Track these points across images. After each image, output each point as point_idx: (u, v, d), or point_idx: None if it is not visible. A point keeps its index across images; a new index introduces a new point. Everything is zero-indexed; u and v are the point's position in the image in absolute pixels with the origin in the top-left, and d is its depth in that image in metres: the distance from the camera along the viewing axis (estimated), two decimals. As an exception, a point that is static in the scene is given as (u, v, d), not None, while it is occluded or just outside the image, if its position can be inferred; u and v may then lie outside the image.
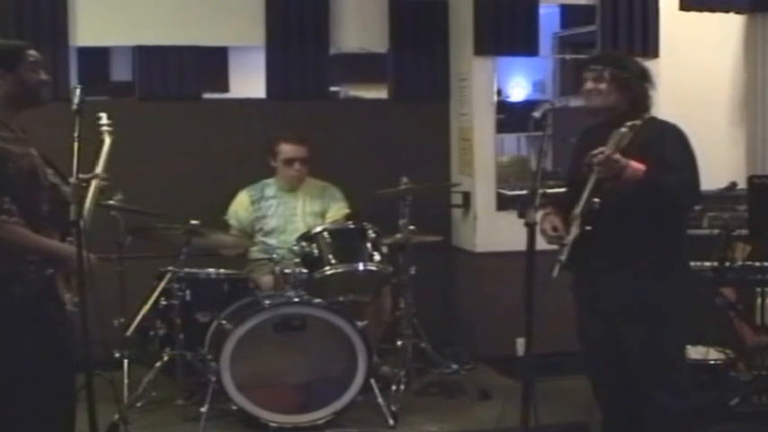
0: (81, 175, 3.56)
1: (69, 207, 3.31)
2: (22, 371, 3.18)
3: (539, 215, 3.62)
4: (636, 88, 3.82)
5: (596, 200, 3.63)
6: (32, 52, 3.31)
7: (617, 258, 3.75)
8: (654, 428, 3.84)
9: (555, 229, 3.85)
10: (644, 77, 3.86)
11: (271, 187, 5.65)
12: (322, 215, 5.58)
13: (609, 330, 3.85)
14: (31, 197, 3.19)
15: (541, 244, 3.45)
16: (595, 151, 3.58)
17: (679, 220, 3.89)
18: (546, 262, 3.51)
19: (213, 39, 5.96)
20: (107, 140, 3.83)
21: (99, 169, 3.66)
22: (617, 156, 3.55)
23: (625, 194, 3.60)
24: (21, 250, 3.15)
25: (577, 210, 3.71)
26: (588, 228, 3.67)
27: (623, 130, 3.57)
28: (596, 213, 3.65)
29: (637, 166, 3.58)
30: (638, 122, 3.72)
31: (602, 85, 3.82)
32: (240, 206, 5.64)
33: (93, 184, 3.59)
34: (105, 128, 3.88)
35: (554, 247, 3.80)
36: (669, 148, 3.71)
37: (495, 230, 5.87)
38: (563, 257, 3.69)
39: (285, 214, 5.57)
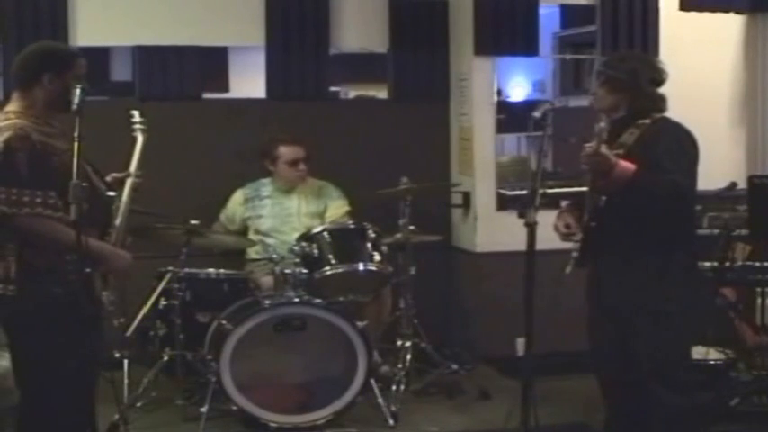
0: (115, 174, 3.58)
1: (107, 205, 3.35)
2: (54, 368, 3.20)
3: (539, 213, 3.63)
4: (633, 89, 3.81)
5: (602, 197, 3.64)
6: (83, 62, 3.35)
7: (622, 256, 3.77)
8: (656, 426, 3.84)
9: (568, 226, 3.87)
10: (633, 77, 3.82)
11: (267, 187, 5.65)
12: (320, 215, 5.59)
13: (615, 328, 3.86)
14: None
15: (542, 244, 3.45)
16: (586, 144, 3.61)
17: (683, 220, 3.89)
18: (546, 262, 3.51)
19: (213, 39, 5.96)
20: (140, 139, 3.79)
21: (133, 168, 3.66)
22: (604, 151, 3.56)
23: (622, 193, 3.62)
24: (60, 247, 3.15)
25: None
26: (593, 224, 3.69)
27: (601, 124, 3.59)
28: (602, 210, 3.66)
29: (626, 166, 3.60)
30: (647, 121, 3.75)
31: (599, 90, 3.85)
32: (233, 203, 5.67)
33: (128, 182, 3.60)
34: (138, 126, 3.84)
35: (553, 247, 3.80)
36: (663, 148, 3.71)
37: (495, 230, 5.87)
38: (575, 254, 3.72)
39: (281, 215, 5.57)
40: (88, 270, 3.17)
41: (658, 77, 3.90)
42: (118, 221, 3.46)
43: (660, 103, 3.88)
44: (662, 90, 3.91)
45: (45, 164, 3.16)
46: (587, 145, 3.61)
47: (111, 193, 3.49)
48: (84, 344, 3.19)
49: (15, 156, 3.12)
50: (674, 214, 3.78)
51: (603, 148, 3.57)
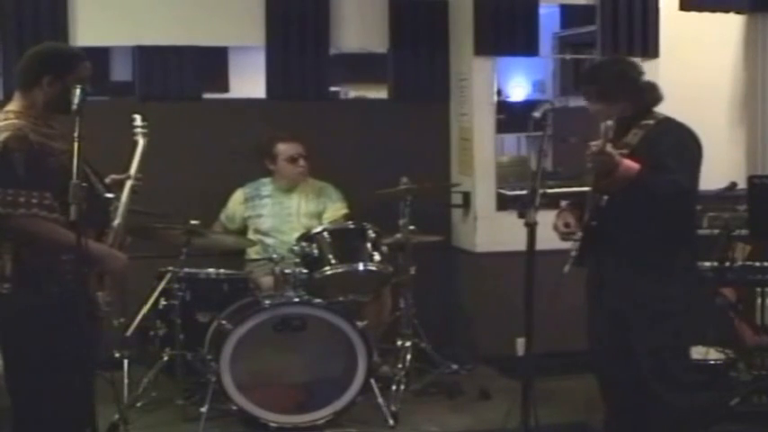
0: (114, 176, 3.58)
1: (105, 206, 3.35)
2: (48, 368, 3.19)
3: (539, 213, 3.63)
4: (626, 93, 3.81)
5: (604, 197, 3.65)
6: (87, 65, 3.34)
7: (623, 255, 3.78)
8: (656, 425, 3.84)
9: (567, 225, 3.87)
10: (625, 79, 3.84)
11: (267, 187, 5.65)
12: (318, 216, 5.58)
13: (615, 327, 3.86)
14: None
15: (542, 244, 3.45)
16: (591, 143, 3.61)
17: (684, 220, 3.90)
18: (546, 262, 3.51)
19: (213, 39, 5.96)
20: (141, 142, 3.79)
21: (132, 171, 3.66)
22: (610, 150, 3.56)
23: (624, 193, 3.62)
24: (57, 247, 3.15)
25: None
26: (593, 223, 3.69)
27: (609, 123, 3.58)
28: (603, 210, 3.67)
29: (631, 165, 3.60)
30: (651, 122, 3.75)
31: (598, 106, 3.84)
32: (233, 202, 5.68)
33: (127, 185, 3.60)
34: (139, 129, 3.84)
35: (553, 247, 3.81)
36: (666, 148, 3.72)
37: (495, 230, 5.87)
38: (574, 253, 3.72)
39: (281, 214, 5.57)
40: (84, 271, 3.17)
41: (640, 68, 3.92)
42: (116, 223, 3.46)
43: (655, 91, 3.89)
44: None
45: (42, 165, 3.16)
46: (593, 143, 3.60)
47: (110, 195, 3.49)
48: (79, 344, 3.18)
49: (13, 156, 3.12)
50: (675, 214, 3.78)
51: (609, 147, 3.57)
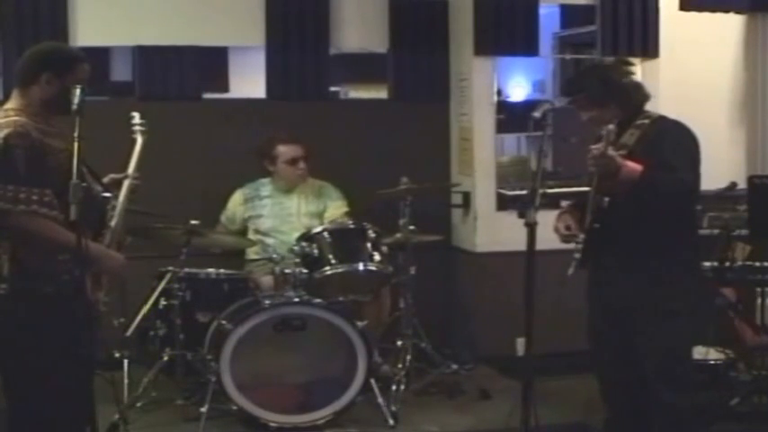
0: (113, 175, 3.58)
1: (102, 206, 3.35)
2: (45, 369, 3.18)
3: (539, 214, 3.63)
4: (614, 95, 3.81)
5: (606, 198, 3.65)
6: (86, 67, 3.33)
7: (626, 256, 3.77)
8: (658, 425, 3.84)
9: (568, 227, 3.87)
10: (609, 81, 3.83)
11: (266, 187, 5.65)
12: (319, 215, 5.58)
13: (617, 328, 3.86)
14: (68, 194, 3.18)
15: (542, 244, 3.45)
16: (592, 147, 3.61)
17: (688, 219, 3.89)
18: (546, 262, 3.51)
19: (213, 39, 5.96)
20: (139, 140, 3.79)
21: (131, 169, 3.66)
22: (611, 152, 3.56)
23: (627, 194, 3.62)
24: (53, 246, 3.14)
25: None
26: (596, 225, 3.69)
27: (610, 127, 3.58)
28: (605, 211, 3.67)
29: (633, 166, 3.59)
30: (646, 121, 3.75)
31: (590, 113, 3.83)
32: (233, 203, 5.67)
33: (125, 184, 3.60)
34: (138, 128, 3.83)
35: (553, 247, 3.81)
36: (668, 147, 3.71)
37: (495, 230, 5.87)
38: (577, 255, 3.72)
39: (281, 214, 5.57)
40: (80, 271, 3.17)
41: (627, 66, 3.93)
42: (114, 222, 3.45)
43: (642, 90, 3.89)
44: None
45: (42, 162, 3.15)
46: (594, 147, 3.60)
47: (107, 194, 3.49)
48: (77, 344, 3.17)
49: (14, 152, 3.12)
50: (678, 214, 3.78)
51: (610, 150, 3.57)
